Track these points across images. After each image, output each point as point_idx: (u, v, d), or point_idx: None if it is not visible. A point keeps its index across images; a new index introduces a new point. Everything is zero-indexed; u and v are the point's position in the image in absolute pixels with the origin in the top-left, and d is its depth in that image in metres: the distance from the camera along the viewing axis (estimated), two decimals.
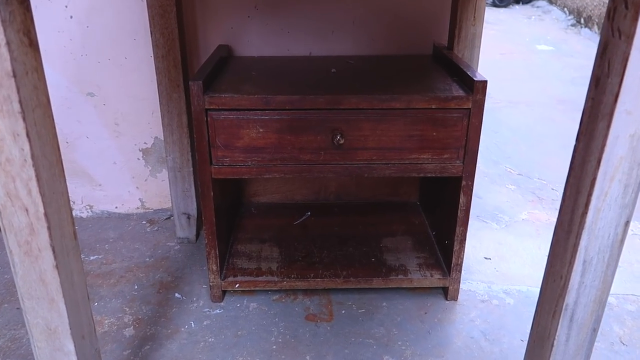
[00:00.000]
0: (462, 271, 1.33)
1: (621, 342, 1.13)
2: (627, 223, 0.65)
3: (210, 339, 1.13)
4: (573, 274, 0.68)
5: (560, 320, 0.71)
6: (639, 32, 0.55)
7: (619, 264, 1.38)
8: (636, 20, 0.55)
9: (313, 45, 1.39)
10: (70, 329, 0.69)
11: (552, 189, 1.79)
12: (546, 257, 0.74)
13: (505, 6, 5.82)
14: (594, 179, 0.63)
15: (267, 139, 1.07)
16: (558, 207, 1.72)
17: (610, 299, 1.26)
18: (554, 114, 2.53)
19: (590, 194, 0.64)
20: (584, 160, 0.65)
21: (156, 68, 1.28)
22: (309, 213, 1.50)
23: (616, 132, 0.60)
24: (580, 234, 0.66)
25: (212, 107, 1.04)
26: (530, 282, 1.32)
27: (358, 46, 1.39)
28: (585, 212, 0.65)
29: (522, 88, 2.97)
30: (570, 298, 0.70)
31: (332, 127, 1.06)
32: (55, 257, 0.65)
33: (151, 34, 1.24)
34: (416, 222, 1.46)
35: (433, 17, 1.37)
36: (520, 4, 5.90)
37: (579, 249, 0.66)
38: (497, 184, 1.84)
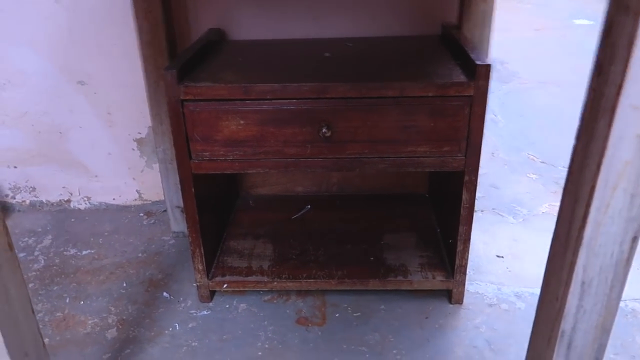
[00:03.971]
0: (471, 271, 1.24)
1: None
2: (634, 239, 0.54)
3: (193, 343, 1.07)
4: (570, 296, 0.58)
5: (557, 348, 0.61)
6: None
7: None
8: None
9: (312, 27, 1.29)
10: (7, 348, 0.64)
11: None
12: None
13: None
14: (593, 187, 0.52)
15: (249, 131, 0.99)
16: None
17: (635, 305, 1.13)
18: None
19: (588, 205, 0.53)
20: (582, 165, 0.54)
21: (142, 55, 1.21)
22: (309, 206, 1.41)
23: (620, 132, 0.49)
24: (578, 251, 0.55)
25: (188, 98, 0.96)
26: None
27: (359, 27, 1.28)
28: (583, 226, 0.54)
29: (553, 67, 2.77)
30: (567, 324, 0.59)
31: (318, 118, 0.97)
32: None
33: (134, 18, 1.17)
34: (423, 217, 1.35)
35: None
36: None
37: (576, 268, 0.56)
38: (517, 172, 1.70)
